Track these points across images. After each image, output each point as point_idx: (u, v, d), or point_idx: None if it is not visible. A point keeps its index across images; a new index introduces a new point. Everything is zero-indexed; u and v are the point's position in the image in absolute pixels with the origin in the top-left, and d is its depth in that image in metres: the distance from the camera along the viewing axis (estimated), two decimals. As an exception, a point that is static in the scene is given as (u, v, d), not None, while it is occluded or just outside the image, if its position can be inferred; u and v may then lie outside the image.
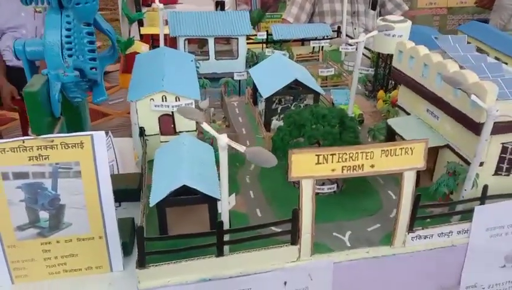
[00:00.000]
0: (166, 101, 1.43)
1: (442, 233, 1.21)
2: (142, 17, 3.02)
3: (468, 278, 1.28)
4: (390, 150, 1.08)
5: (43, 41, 1.18)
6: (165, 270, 1.06)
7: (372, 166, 1.08)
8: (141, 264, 1.04)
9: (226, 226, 1.10)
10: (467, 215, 1.22)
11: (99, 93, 1.39)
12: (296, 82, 1.64)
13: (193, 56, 1.83)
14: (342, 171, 1.07)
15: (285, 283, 1.15)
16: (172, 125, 1.47)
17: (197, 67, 2.07)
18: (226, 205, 1.07)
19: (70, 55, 1.19)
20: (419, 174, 1.38)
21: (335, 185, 1.39)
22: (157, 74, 1.50)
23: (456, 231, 1.22)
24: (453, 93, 1.27)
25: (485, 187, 1.20)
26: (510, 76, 1.35)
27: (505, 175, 1.30)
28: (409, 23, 1.78)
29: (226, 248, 1.11)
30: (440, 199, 1.31)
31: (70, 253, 1.25)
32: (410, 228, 1.18)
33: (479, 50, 2.35)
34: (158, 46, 2.19)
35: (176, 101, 1.43)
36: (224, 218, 1.09)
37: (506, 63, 2.15)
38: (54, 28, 1.17)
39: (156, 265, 1.05)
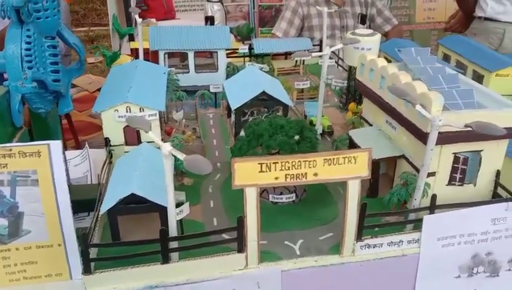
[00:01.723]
0: (130, 112, 1.46)
1: (392, 242, 1.21)
2: (132, 32, 3.09)
3: (422, 289, 1.28)
4: (333, 158, 1.10)
5: (4, 54, 1.23)
6: (111, 277, 1.08)
7: (316, 174, 1.10)
8: (86, 270, 1.06)
9: (173, 234, 1.12)
10: (418, 224, 1.23)
11: (65, 104, 1.44)
12: (264, 94, 1.68)
13: (166, 68, 1.87)
14: (286, 179, 1.09)
15: (233, 290, 1.16)
16: (137, 136, 1.50)
17: (177, 80, 2.13)
18: (172, 212, 1.10)
19: (30, 68, 1.24)
20: (376, 183, 1.40)
21: (293, 195, 1.41)
22: (124, 86, 1.54)
23: (407, 241, 1.22)
24: (405, 104, 1.29)
25: (434, 197, 1.21)
26: (466, 87, 1.37)
27: (458, 185, 1.30)
28: (377, 36, 1.81)
29: (175, 255, 1.14)
30: (394, 208, 1.32)
31: (30, 260, 1.27)
32: (359, 237, 1.19)
33: (458, 63, 2.37)
34: (147, 60, 2.25)
35: (140, 112, 1.47)
36: (171, 225, 1.11)
37: (483, 76, 2.18)
38: (14, 41, 1.22)
39: (102, 271, 1.08)
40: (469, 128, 1.10)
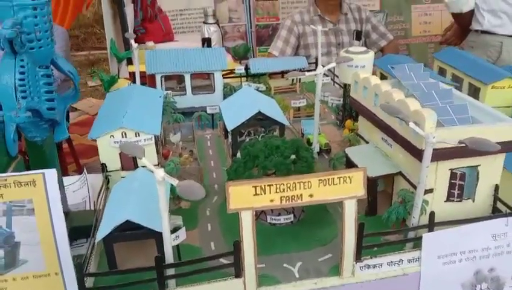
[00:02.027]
0: (126, 137, 1.47)
1: (392, 262, 1.20)
2: (130, 56, 3.11)
3: (425, 307, 1.26)
4: (328, 179, 1.09)
5: (-1, 84, 1.24)
6: (108, 306, 1.07)
7: (311, 195, 1.09)
8: (83, 300, 1.05)
9: (170, 260, 1.11)
10: (417, 243, 1.21)
11: (61, 132, 1.44)
12: (260, 114, 1.68)
13: (162, 92, 1.89)
14: (281, 202, 1.08)
15: (232, 316, 1.14)
16: (133, 161, 1.50)
17: (174, 102, 2.14)
18: (167, 238, 1.09)
19: (24, 97, 1.24)
20: (375, 202, 1.39)
21: (291, 216, 1.40)
22: (120, 111, 1.54)
23: (407, 260, 1.21)
24: (399, 121, 1.29)
25: (432, 214, 1.19)
26: (460, 102, 1.37)
27: (457, 201, 1.29)
28: (371, 54, 1.82)
29: (172, 282, 1.12)
30: (393, 226, 1.31)
31: (28, 290, 1.27)
32: (358, 257, 1.17)
33: (454, 77, 2.38)
34: (144, 83, 2.27)
35: (136, 136, 1.47)
36: (167, 252, 1.10)
37: (479, 89, 2.18)
38: (8, 71, 1.23)
39: (99, 301, 1.06)
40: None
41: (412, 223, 1.23)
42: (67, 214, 1.60)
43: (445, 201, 1.29)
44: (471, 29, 3.46)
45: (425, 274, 1.22)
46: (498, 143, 1.20)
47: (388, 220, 1.29)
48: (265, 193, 1.07)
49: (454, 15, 3.55)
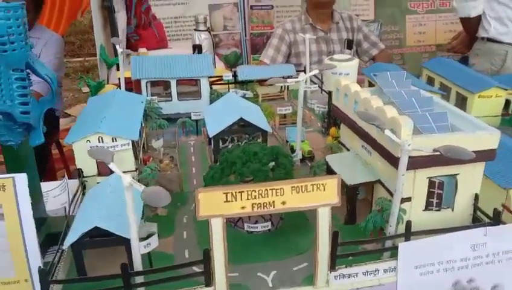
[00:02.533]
0: (102, 142, 1.44)
1: (367, 271, 1.17)
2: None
3: (402, 319, 1.23)
4: (301, 186, 1.07)
5: (-29, 87, 1.22)
6: (73, 315, 1.04)
7: (284, 203, 1.07)
8: (47, 307, 1.02)
9: (139, 268, 1.08)
10: (394, 252, 1.19)
11: (36, 136, 1.42)
12: (243, 120, 1.66)
13: (144, 97, 1.87)
14: (252, 209, 1.06)
15: (203, 326, 1.12)
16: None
17: (159, 108, 2.12)
18: (135, 245, 1.06)
19: (-4, 100, 1.23)
20: (354, 210, 1.37)
21: (269, 223, 1.37)
22: (98, 116, 1.52)
23: (383, 269, 1.18)
24: (376, 129, 1.27)
25: (408, 223, 1.17)
26: (440, 110, 1.35)
27: (436, 210, 1.27)
28: (355, 61, 1.81)
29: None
30: (372, 235, 1.28)
31: (-4, 297, 1.24)
32: (332, 267, 1.15)
33: (442, 86, 2.37)
34: (131, 89, 2.25)
35: (113, 141, 1.45)
36: (135, 259, 1.07)
37: (466, 98, 2.17)
38: (-21, 74, 1.21)
39: (63, 309, 1.03)
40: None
41: (388, 232, 1.21)
42: (45, 219, 1.58)
43: (423, 210, 1.27)
44: (478, 36, 3.46)
45: (401, 284, 1.19)
46: (477, 152, 1.18)
47: (366, 229, 1.26)
48: (236, 200, 1.04)
49: (462, 20, 3.54)
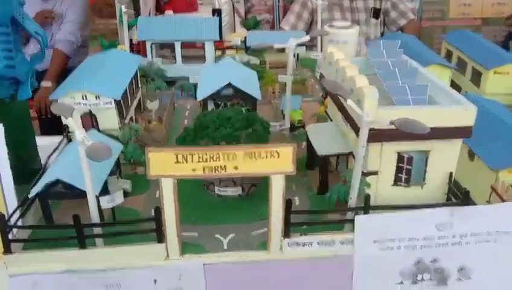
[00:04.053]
0: (86, 99, 1.48)
1: (322, 242, 1.16)
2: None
3: (359, 292, 1.22)
4: (255, 152, 1.06)
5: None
6: (31, 258, 1.10)
7: (236, 168, 1.07)
8: (6, 250, 1.09)
9: (95, 220, 1.13)
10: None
11: (24, 91, 1.47)
12: (231, 86, 1.65)
13: (139, 58, 1.89)
14: (204, 172, 1.07)
15: (155, 281, 1.16)
16: (95, 123, 1.52)
17: (164, 70, 2.15)
18: (91, 198, 1.10)
19: (-20, 54, 1.28)
20: (326, 180, 1.35)
21: (239, 189, 1.38)
22: (87, 74, 1.56)
23: (339, 241, 1.16)
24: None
25: (367, 196, 1.14)
26: (423, 83, 1.28)
27: (404, 186, 1.23)
28: (354, 29, 1.74)
29: (99, 241, 1.14)
30: (337, 206, 1.26)
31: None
32: (286, 234, 1.14)
33: (459, 60, 2.24)
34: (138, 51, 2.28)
35: (96, 99, 1.48)
36: (92, 212, 1.12)
37: (481, 74, 2.05)
38: (-37, 28, 1.26)
39: (22, 253, 1.10)
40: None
41: (349, 204, 1.18)
42: (38, 170, 1.66)
43: (392, 185, 1.23)
44: None
45: (359, 258, 1.17)
46: (451, 128, 1.13)
47: (330, 200, 1.24)
48: (187, 162, 1.05)
49: None
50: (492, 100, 1.85)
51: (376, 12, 3.39)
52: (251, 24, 3.26)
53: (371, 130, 1.10)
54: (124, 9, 2.13)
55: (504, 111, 1.66)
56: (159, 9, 4.71)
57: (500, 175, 1.33)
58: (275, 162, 1.07)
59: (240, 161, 1.06)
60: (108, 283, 1.14)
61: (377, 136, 1.12)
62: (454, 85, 2.27)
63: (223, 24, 3.42)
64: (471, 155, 1.42)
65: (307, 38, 1.65)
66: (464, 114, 1.13)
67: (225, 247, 1.19)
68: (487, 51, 2.10)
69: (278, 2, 5.54)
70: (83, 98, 1.48)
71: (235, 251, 1.17)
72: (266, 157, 1.07)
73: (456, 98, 1.22)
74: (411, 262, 1.20)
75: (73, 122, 1.06)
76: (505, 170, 1.32)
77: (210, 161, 1.06)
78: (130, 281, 1.15)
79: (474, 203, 1.20)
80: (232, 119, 1.36)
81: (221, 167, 1.07)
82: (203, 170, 1.06)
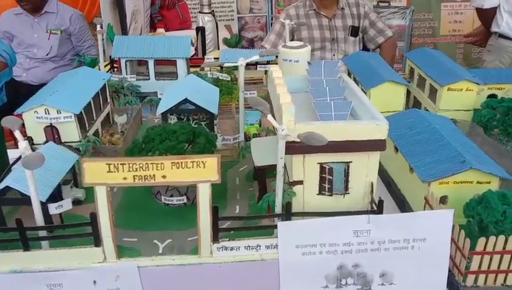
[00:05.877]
0: (49, 113, 1.60)
1: (249, 246, 1.25)
2: (125, 40, 3.28)
3: (286, 295, 1.30)
4: (181, 162, 1.16)
5: None
6: (-22, 259, 1.21)
7: (164, 177, 1.17)
8: (-44, 250, 1.20)
9: (40, 224, 1.23)
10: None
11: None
12: (188, 101, 1.76)
13: (108, 75, 2.01)
14: (134, 180, 1.17)
15: (94, 281, 1.25)
16: (57, 136, 1.64)
17: (137, 86, 2.29)
18: (35, 204, 1.21)
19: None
20: (264, 189, 1.45)
21: (184, 198, 1.48)
22: (52, 89, 1.69)
23: (265, 245, 1.26)
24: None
25: (288, 204, 1.24)
26: (348, 101, 1.38)
27: (328, 195, 1.32)
28: (306, 48, 1.85)
29: (45, 244, 1.25)
30: (269, 213, 1.36)
31: None
32: (215, 239, 1.24)
33: (420, 77, 2.34)
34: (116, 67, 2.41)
35: (58, 114, 1.61)
36: (37, 216, 1.22)
37: (436, 90, 2.14)
38: None
39: (-30, 253, 1.21)
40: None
41: (275, 211, 1.28)
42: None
43: (317, 194, 1.32)
44: (491, 31, 3.32)
45: (283, 262, 1.26)
46: (365, 141, 1.23)
47: (261, 208, 1.34)
48: (118, 171, 1.16)
49: (476, 10, 3.43)
50: (441, 116, 1.94)
51: (354, 31, 3.50)
52: (232, 42, 3.40)
53: (294, 142, 1.20)
54: (98, 28, 2.27)
55: (448, 127, 1.75)
56: (153, 26, 4.90)
57: (431, 187, 1.42)
58: (201, 172, 1.18)
59: (167, 170, 1.17)
60: (52, 283, 1.24)
61: (300, 148, 1.22)
62: (415, 101, 2.38)
63: (206, 42, 3.57)
64: (411, 168, 1.51)
65: (256, 57, 1.76)
66: (376, 129, 1.23)
67: (160, 251, 1.29)
68: (443, 68, 2.19)
69: (271, 20, 5.71)
70: (45, 113, 1.61)
71: (168, 255, 1.27)
72: (193, 167, 1.17)
73: (374, 114, 1.31)
74: (334, 267, 1.29)
75: (19, 135, 1.18)
76: (436, 182, 1.41)
77: (140, 170, 1.16)
78: (72, 281, 1.25)
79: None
80: (177, 132, 1.47)
81: (150, 176, 1.17)
82: (134, 178, 1.17)
